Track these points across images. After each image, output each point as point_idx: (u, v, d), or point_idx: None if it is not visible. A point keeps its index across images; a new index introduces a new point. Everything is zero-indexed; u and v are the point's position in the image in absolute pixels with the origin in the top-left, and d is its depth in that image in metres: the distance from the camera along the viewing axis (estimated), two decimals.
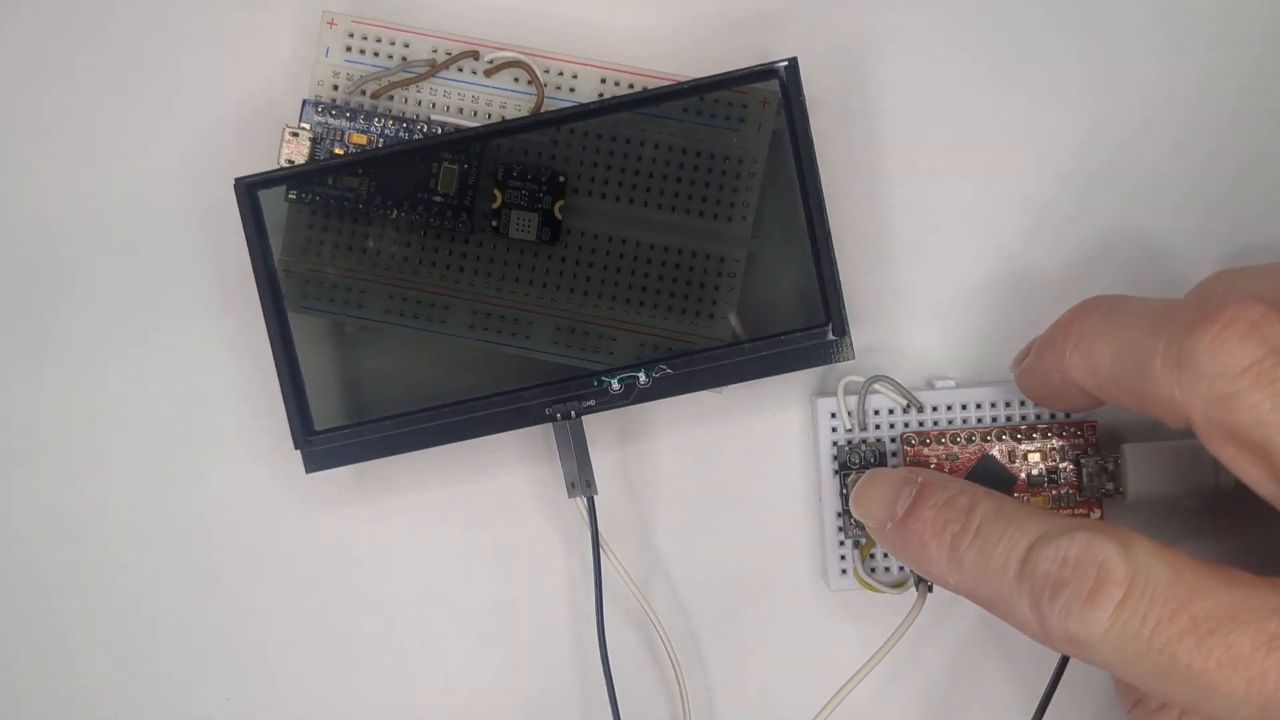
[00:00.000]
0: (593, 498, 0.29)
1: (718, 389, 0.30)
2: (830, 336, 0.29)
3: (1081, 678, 0.31)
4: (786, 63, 0.28)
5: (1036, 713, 0.28)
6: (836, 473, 0.30)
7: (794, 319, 0.30)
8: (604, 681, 0.30)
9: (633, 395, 0.29)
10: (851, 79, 0.31)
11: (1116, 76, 0.31)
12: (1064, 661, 0.28)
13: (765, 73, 0.28)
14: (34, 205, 0.31)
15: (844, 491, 0.30)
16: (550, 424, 0.29)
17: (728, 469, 0.31)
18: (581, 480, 0.30)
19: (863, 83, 0.31)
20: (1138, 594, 0.22)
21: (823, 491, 0.30)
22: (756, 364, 0.29)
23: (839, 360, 0.29)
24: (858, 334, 0.30)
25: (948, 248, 0.31)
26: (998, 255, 0.31)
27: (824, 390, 0.31)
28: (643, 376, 0.29)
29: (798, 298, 0.30)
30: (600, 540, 0.30)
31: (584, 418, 0.29)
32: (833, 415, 0.30)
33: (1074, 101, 0.31)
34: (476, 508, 0.31)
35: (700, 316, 0.30)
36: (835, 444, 0.30)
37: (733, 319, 0.30)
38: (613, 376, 0.29)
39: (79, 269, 0.31)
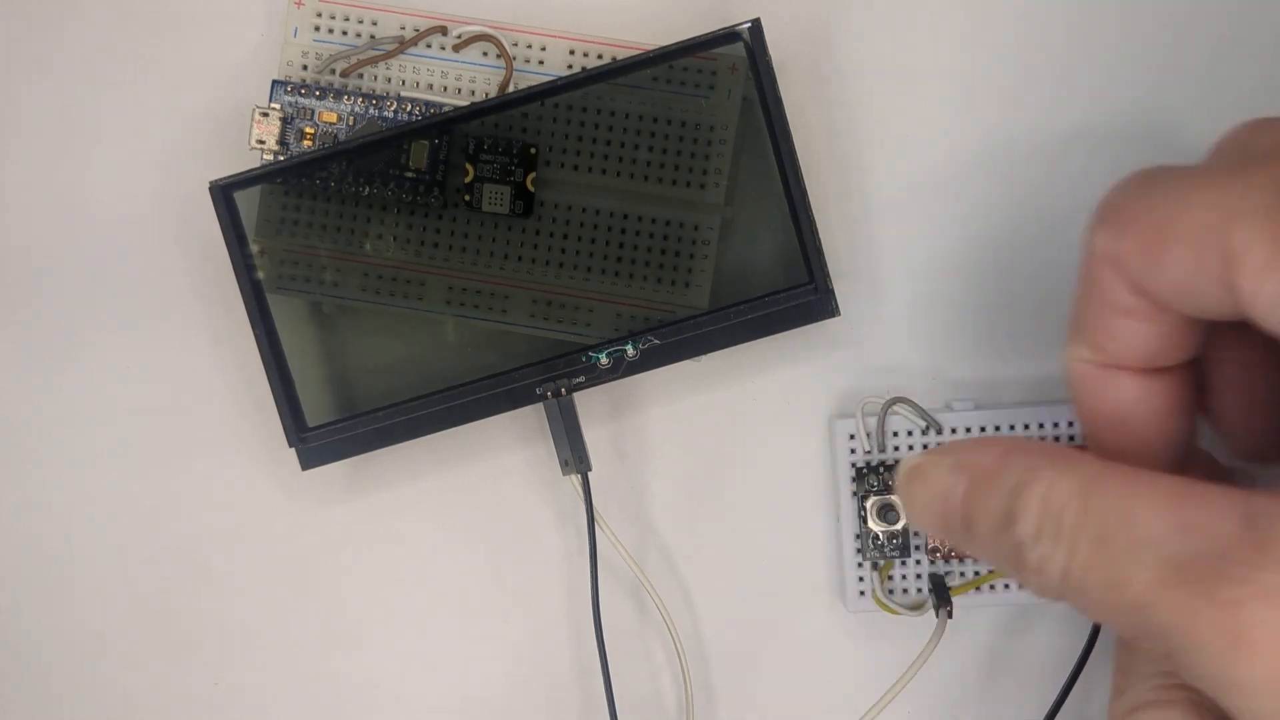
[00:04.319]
0: (586, 474, 0.30)
1: (696, 358, 0.30)
2: (815, 294, 0.29)
3: (1096, 695, 0.30)
4: (750, 24, 0.28)
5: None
6: (855, 495, 0.30)
7: (776, 281, 0.29)
8: (599, 657, 0.30)
9: (622, 369, 0.29)
10: (822, 43, 0.31)
11: (1086, 35, 0.31)
12: (1072, 678, 0.28)
13: (730, 35, 0.28)
14: (8, 198, 0.31)
15: (862, 514, 0.30)
16: (541, 403, 0.29)
17: (722, 437, 0.31)
18: (575, 457, 0.29)
19: (833, 47, 0.31)
20: None
21: (841, 513, 0.30)
22: (744, 328, 0.29)
23: (826, 317, 0.29)
24: (838, 297, 0.29)
25: (924, 209, 0.31)
26: (973, 215, 0.31)
27: (842, 411, 0.31)
28: (630, 349, 0.29)
29: (778, 261, 0.29)
30: (596, 515, 0.29)
31: (574, 394, 0.29)
32: (851, 437, 0.30)
33: (1043, 60, 0.31)
34: (471, 491, 0.31)
35: (677, 285, 0.30)
36: (854, 465, 0.30)
37: (711, 286, 0.29)
38: (600, 351, 0.29)
39: (58, 265, 0.31)
